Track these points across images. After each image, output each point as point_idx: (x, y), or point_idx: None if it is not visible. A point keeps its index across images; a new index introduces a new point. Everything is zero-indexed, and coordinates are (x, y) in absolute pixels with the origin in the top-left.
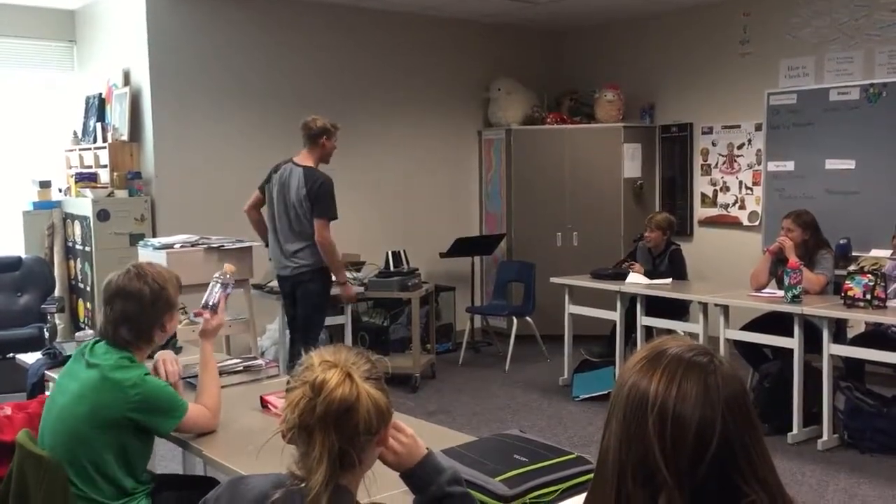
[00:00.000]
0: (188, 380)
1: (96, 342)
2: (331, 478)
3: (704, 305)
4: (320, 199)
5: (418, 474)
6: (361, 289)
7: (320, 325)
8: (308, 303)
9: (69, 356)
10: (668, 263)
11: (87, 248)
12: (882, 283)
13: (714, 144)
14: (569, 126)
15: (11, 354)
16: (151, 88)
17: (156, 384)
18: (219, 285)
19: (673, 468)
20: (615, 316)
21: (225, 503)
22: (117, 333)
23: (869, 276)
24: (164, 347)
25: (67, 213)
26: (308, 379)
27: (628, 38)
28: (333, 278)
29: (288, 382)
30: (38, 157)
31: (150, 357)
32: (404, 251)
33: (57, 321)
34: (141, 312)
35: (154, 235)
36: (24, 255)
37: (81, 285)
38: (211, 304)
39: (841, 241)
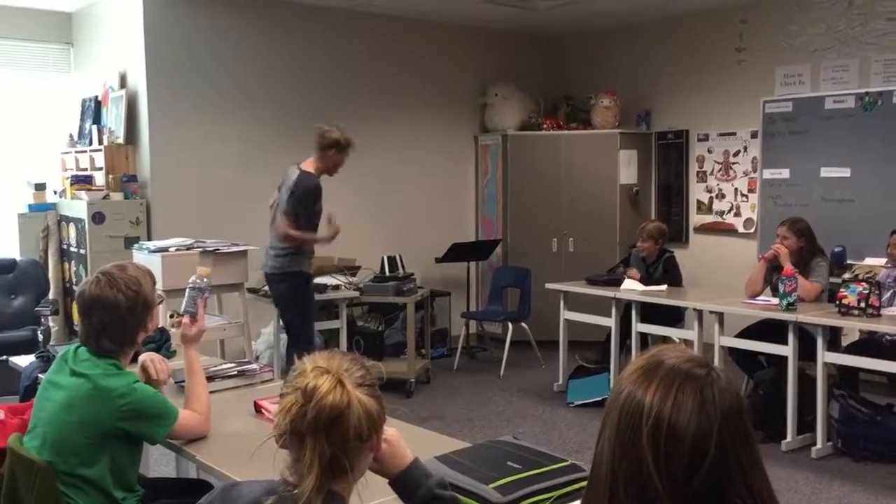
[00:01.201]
0: (180, 383)
1: (78, 347)
2: (322, 483)
3: (699, 312)
4: (298, 198)
5: (405, 479)
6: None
7: (301, 327)
8: (280, 304)
9: None
10: (663, 271)
11: (82, 251)
12: (876, 292)
13: (710, 151)
14: (565, 132)
15: (5, 357)
16: (148, 91)
17: (145, 392)
18: (195, 290)
19: (666, 480)
20: (610, 322)
21: None
22: (100, 345)
23: (863, 284)
24: (157, 351)
25: (62, 216)
26: (300, 385)
27: (625, 45)
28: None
29: (282, 388)
30: (34, 159)
31: (134, 360)
32: (400, 256)
33: (51, 324)
34: (121, 321)
35: (149, 238)
36: (18, 258)
37: (76, 288)
38: (189, 310)
39: (836, 249)
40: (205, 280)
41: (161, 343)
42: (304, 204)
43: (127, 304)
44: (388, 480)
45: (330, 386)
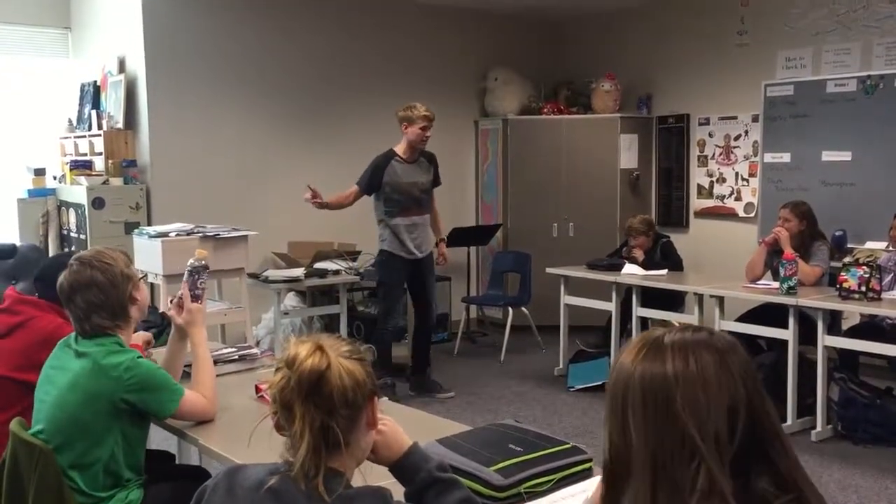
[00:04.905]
0: (185, 369)
1: (77, 336)
2: (315, 453)
3: (700, 296)
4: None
5: (405, 464)
6: None
7: (383, 303)
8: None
9: None
10: (661, 257)
11: (82, 236)
12: (877, 275)
13: (711, 135)
14: (566, 116)
15: None
16: (147, 76)
17: (150, 366)
18: (191, 272)
19: (712, 444)
20: (611, 307)
21: (223, 491)
22: (93, 323)
23: (864, 267)
24: (159, 336)
25: (62, 201)
26: (285, 358)
27: (626, 29)
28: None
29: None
30: (33, 144)
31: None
32: None
33: None
34: (104, 294)
35: (149, 224)
36: (18, 243)
37: None
38: (178, 293)
39: (836, 233)
40: (201, 262)
41: (162, 328)
42: (366, 170)
43: (104, 277)
44: (388, 468)
45: (309, 351)
